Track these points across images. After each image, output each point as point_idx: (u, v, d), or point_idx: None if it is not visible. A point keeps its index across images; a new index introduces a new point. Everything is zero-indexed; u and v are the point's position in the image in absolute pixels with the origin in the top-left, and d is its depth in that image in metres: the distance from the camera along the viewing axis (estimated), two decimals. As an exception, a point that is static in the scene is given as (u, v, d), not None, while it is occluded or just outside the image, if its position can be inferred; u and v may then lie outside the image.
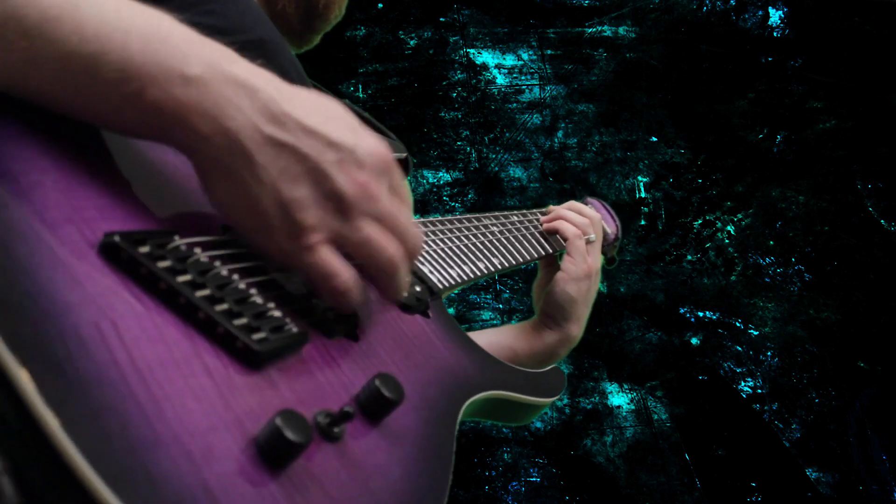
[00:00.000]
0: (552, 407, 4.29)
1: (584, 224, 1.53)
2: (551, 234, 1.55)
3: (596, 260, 1.50)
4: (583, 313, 1.47)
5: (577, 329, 1.47)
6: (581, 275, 1.45)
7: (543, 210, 1.60)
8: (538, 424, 4.31)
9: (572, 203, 1.61)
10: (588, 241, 1.50)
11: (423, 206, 4.65)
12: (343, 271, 0.72)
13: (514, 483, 4.21)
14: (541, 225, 1.54)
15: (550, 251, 1.50)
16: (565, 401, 4.38)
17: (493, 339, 1.46)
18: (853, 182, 4.41)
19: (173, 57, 0.63)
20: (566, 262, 1.47)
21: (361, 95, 4.65)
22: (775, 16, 4.73)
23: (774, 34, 4.74)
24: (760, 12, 4.75)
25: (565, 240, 1.51)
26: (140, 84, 0.61)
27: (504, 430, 4.26)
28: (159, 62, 0.62)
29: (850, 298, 4.28)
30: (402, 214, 0.76)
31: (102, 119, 0.65)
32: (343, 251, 0.73)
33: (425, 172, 4.69)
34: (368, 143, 0.73)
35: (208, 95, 0.64)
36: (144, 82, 0.61)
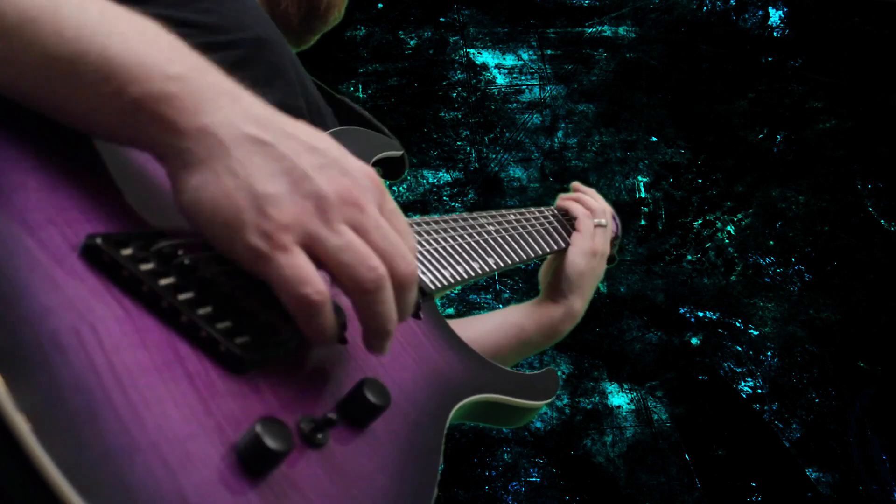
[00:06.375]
0: (552, 407, 4.29)
1: (597, 208, 1.59)
2: (562, 218, 1.56)
3: (602, 244, 1.54)
4: (588, 288, 1.50)
5: (580, 303, 1.49)
6: (589, 250, 1.49)
7: (541, 209, 1.60)
8: (538, 424, 4.31)
9: (592, 191, 1.66)
10: (598, 225, 1.55)
11: (423, 206, 4.65)
12: (317, 280, 0.63)
13: (514, 483, 4.22)
14: (539, 223, 1.53)
15: (548, 250, 1.49)
16: (565, 401, 4.38)
17: (502, 318, 1.48)
18: (853, 182, 4.40)
19: (156, 58, 0.61)
20: (575, 237, 1.52)
21: (361, 95, 4.65)
22: (775, 16, 4.72)
23: (774, 34, 4.74)
24: (760, 12, 4.74)
25: (575, 218, 1.56)
26: (119, 83, 0.60)
27: (504, 429, 4.26)
28: (141, 62, 0.60)
29: (850, 298, 4.27)
30: (391, 234, 0.68)
31: (79, 121, 0.63)
32: (318, 262, 0.65)
33: (425, 172, 4.68)
34: (357, 162, 0.69)
35: (189, 92, 0.62)
36: (124, 81, 0.60)
